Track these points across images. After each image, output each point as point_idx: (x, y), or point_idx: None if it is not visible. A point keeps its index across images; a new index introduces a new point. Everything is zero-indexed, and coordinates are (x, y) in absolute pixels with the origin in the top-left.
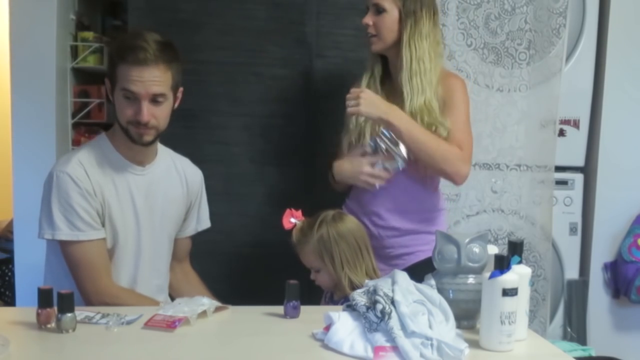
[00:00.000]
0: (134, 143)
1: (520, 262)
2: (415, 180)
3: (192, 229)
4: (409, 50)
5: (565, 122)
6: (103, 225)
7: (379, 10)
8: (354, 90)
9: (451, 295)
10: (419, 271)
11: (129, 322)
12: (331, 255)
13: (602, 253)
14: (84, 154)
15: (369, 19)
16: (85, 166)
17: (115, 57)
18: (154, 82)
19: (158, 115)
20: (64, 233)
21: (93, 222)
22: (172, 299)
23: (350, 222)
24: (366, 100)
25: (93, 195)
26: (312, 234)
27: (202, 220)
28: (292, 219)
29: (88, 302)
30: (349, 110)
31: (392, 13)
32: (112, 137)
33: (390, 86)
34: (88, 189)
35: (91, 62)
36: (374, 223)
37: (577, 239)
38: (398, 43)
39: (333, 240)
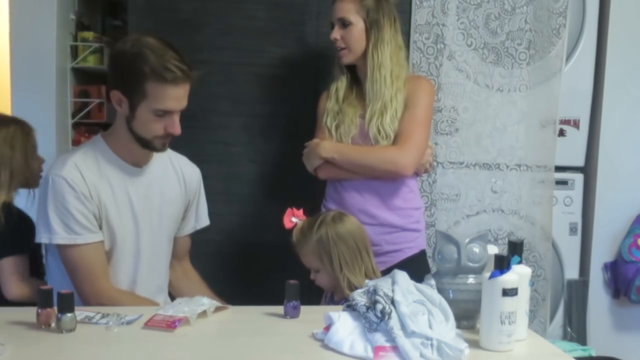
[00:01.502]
0: (152, 151)
1: (520, 262)
2: (395, 178)
3: (190, 227)
4: (372, 59)
5: (565, 122)
6: (100, 228)
7: (345, 24)
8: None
9: (451, 295)
10: (407, 268)
11: (129, 322)
12: (330, 257)
13: (602, 253)
14: (79, 156)
15: (336, 34)
16: (80, 169)
17: (149, 75)
18: (186, 96)
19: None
20: (61, 237)
21: (90, 225)
22: (172, 298)
23: (350, 224)
24: (306, 152)
25: (89, 199)
26: (311, 234)
27: (200, 219)
28: (293, 218)
29: (86, 304)
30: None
31: (358, 25)
32: (109, 139)
33: (359, 92)
34: (84, 192)
35: (91, 62)
36: (360, 221)
37: (577, 239)
38: (366, 52)
39: (332, 241)
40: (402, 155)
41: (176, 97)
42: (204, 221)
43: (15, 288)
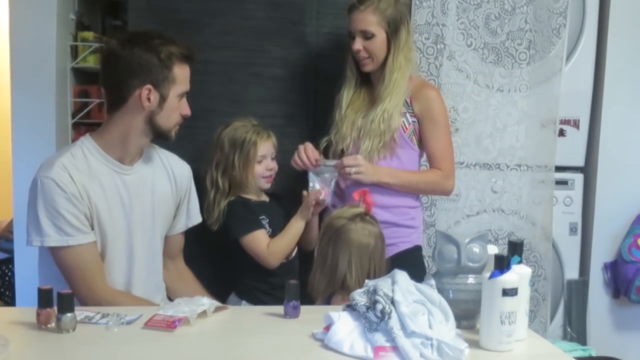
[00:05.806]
0: (167, 140)
1: (520, 262)
2: None
3: (182, 225)
4: (391, 64)
5: (565, 122)
6: (92, 228)
7: (368, 36)
8: (350, 159)
9: (451, 295)
10: (400, 261)
11: (129, 322)
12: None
13: (602, 253)
14: (67, 157)
15: (358, 45)
16: (69, 170)
17: (175, 59)
18: None
19: None
20: (53, 239)
21: (82, 226)
22: (170, 299)
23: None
24: (367, 170)
25: (80, 199)
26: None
27: (192, 216)
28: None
29: (84, 306)
30: (352, 176)
31: (380, 35)
32: (99, 139)
33: (368, 92)
34: (74, 193)
35: (91, 62)
36: None
37: (577, 239)
38: (386, 58)
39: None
40: (448, 180)
41: (189, 76)
42: (196, 218)
43: None
